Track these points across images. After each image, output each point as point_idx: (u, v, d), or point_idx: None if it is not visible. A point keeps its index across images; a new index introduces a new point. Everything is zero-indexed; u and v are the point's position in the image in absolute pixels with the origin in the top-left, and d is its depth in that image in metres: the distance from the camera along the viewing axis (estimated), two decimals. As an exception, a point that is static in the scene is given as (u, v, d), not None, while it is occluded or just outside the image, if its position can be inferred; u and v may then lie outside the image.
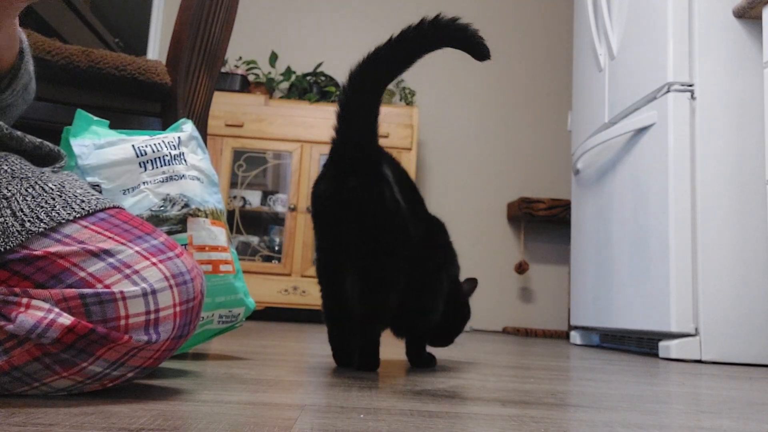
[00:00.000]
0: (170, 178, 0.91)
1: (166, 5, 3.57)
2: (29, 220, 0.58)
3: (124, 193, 0.87)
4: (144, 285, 0.57)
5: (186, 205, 0.91)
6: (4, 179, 0.61)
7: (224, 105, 3.19)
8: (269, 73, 3.53)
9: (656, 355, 1.89)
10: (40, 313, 0.53)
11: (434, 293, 1.03)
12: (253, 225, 3.33)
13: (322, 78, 3.45)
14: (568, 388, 0.91)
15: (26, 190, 0.60)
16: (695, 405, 0.80)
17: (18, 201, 0.59)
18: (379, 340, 0.95)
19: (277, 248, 3.22)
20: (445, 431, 0.52)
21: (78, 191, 0.63)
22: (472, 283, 1.20)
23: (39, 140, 0.70)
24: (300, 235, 3.12)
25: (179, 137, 0.97)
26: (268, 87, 3.45)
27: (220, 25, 1.56)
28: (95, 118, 0.91)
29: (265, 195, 3.32)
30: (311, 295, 3.05)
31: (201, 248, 0.92)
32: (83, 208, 0.61)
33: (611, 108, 2.28)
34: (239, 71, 3.38)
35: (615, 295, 2.13)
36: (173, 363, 0.91)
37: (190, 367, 0.87)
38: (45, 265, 0.56)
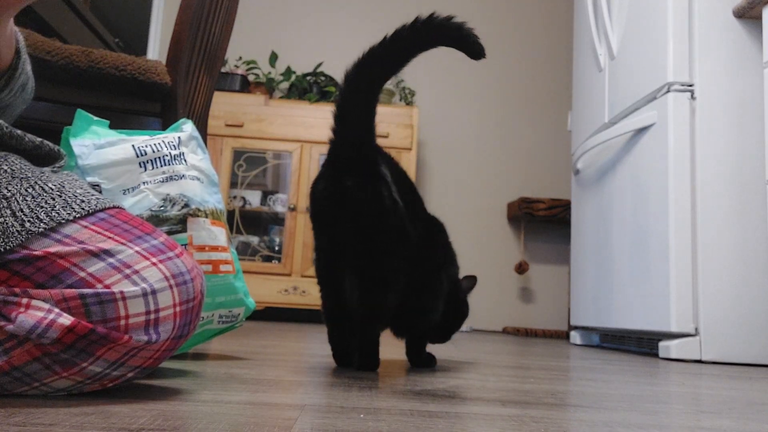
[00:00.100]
0: (170, 178, 0.91)
1: (166, 5, 3.57)
2: (29, 220, 0.58)
3: (124, 193, 0.87)
4: (144, 285, 0.57)
5: (186, 205, 0.91)
6: (4, 179, 0.61)
7: (224, 105, 3.19)
8: (269, 73, 3.53)
9: (656, 355, 1.89)
10: (40, 313, 0.53)
11: (434, 293, 1.03)
12: (253, 225, 3.34)
13: (322, 78, 3.45)
14: (568, 388, 0.91)
15: (26, 190, 0.60)
16: (695, 405, 0.80)
17: (18, 201, 0.59)
18: (379, 340, 0.95)
19: (277, 248, 3.23)
20: (445, 431, 0.52)
21: (78, 191, 0.63)
22: (472, 280, 1.20)
23: (39, 139, 0.70)
24: (300, 235, 3.12)
25: (179, 137, 0.97)
26: (268, 87, 3.45)
27: (220, 25, 1.56)
28: (95, 118, 0.91)
29: (265, 195, 3.32)
30: (311, 295, 3.05)
31: (201, 248, 0.92)
32: (83, 208, 0.61)
33: (611, 108, 2.28)
34: (239, 71, 3.38)
35: (615, 295, 2.13)
36: (173, 363, 0.91)
37: (190, 367, 0.87)
38: (45, 265, 0.56)
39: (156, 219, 0.88)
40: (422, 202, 1.06)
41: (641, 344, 2.10)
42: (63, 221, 0.59)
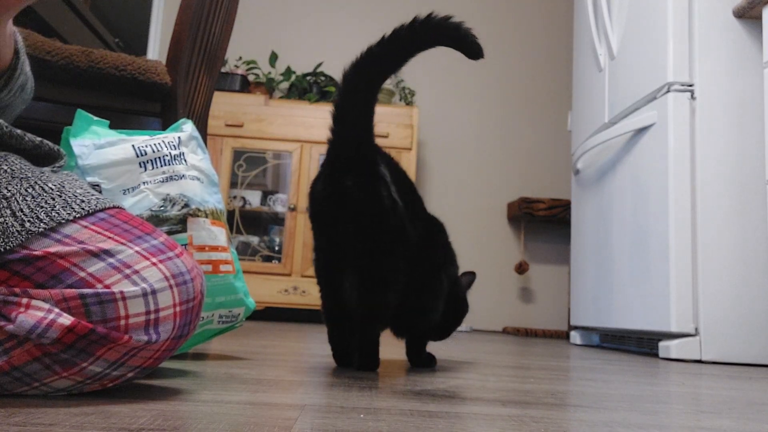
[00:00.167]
0: (170, 178, 0.91)
1: (166, 5, 3.57)
2: (29, 220, 0.58)
3: (124, 193, 0.87)
4: (144, 285, 0.57)
5: (186, 205, 0.91)
6: (3, 179, 0.61)
7: (224, 105, 3.19)
8: (269, 73, 3.53)
9: (656, 355, 1.89)
10: (40, 313, 0.53)
11: (434, 293, 1.03)
12: (253, 225, 3.34)
13: (322, 78, 3.45)
14: (568, 388, 0.91)
15: (26, 190, 0.60)
16: (695, 405, 0.80)
17: (18, 201, 0.59)
18: (379, 340, 0.95)
19: (277, 248, 3.23)
20: (445, 431, 0.52)
21: (78, 191, 0.63)
22: (471, 276, 1.20)
23: (39, 139, 0.70)
24: (300, 235, 3.12)
25: (179, 137, 0.97)
26: (268, 87, 3.45)
27: (220, 25, 1.56)
28: (95, 118, 0.91)
29: (265, 195, 3.32)
30: (311, 295, 3.05)
31: (201, 248, 0.92)
32: (83, 208, 0.61)
33: (611, 108, 2.28)
34: (239, 71, 3.38)
35: (615, 295, 2.13)
36: (173, 363, 0.91)
37: (190, 367, 0.87)
38: (45, 265, 0.56)
39: (156, 219, 0.88)
40: (422, 201, 1.06)
41: (641, 344, 2.10)
42: (63, 221, 0.59)
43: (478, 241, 3.64)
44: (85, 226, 0.60)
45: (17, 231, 0.57)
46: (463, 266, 1.18)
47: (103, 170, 0.87)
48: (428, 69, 3.74)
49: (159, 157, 0.92)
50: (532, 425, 0.57)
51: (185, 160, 0.95)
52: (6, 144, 0.67)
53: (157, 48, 3.47)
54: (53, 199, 0.60)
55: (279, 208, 3.25)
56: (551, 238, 3.67)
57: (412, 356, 1.09)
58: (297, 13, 3.79)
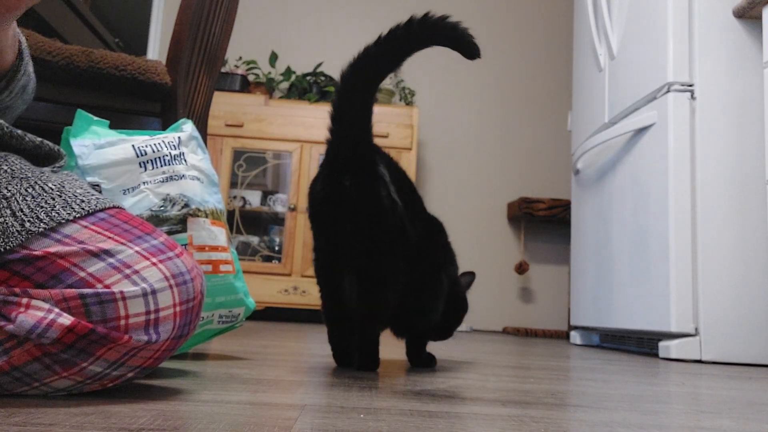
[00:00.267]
0: (170, 178, 0.91)
1: (166, 5, 3.57)
2: (29, 220, 0.58)
3: (124, 193, 0.87)
4: (144, 285, 0.57)
5: (186, 205, 0.91)
6: (3, 179, 0.61)
7: (224, 105, 3.19)
8: (269, 73, 3.53)
9: (656, 355, 1.89)
10: (40, 313, 0.53)
11: (434, 293, 1.03)
12: (253, 225, 3.34)
13: (322, 78, 3.45)
14: (568, 388, 0.91)
15: (26, 190, 0.60)
16: (695, 405, 0.80)
17: (18, 201, 0.59)
18: (379, 340, 0.95)
19: (277, 248, 3.23)
20: (445, 431, 0.52)
21: (78, 191, 0.63)
22: (470, 276, 1.20)
23: (39, 139, 0.70)
24: (300, 235, 3.12)
25: (179, 137, 0.97)
26: (268, 87, 3.45)
27: (220, 25, 1.56)
28: (95, 118, 0.91)
29: (265, 195, 3.32)
30: (311, 295, 3.05)
31: (201, 248, 0.92)
32: (83, 208, 0.61)
33: (611, 108, 2.28)
34: (239, 71, 3.38)
35: (615, 295, 2.13)
36: (173, 363, 0.91)
37: (190, 367, 0.87)
38: (45, 265, 0.56)
39: (156, 219, 0.88)
40: (422, 201, 1.06)
41: (641, 344, 2.10)
42: (63, 221, 0.59)
43: (478, 241, 3.64)
44: (85, 226, 0.60)
45: (17, 231, 0.57)
46: (463, 266, 1.18)
47: (103, 170, 0.87)
48: (428, 69, 3.74)
49: (159, 157, 0.92)
50: (532, 425, 0.57)
51: (185, 160, 0.95)
52: (6, 144, 0.67)
53: (157, 48, 3.48)
54: (53, 199, 0.60)
55: (279, 208, 3.25)
56: (551, 238, 3.67)
57: (412, 356, 1.09)
58: (297, 13, 3.79)
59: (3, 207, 0.58)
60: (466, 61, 0.95)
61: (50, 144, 0.71)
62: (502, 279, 3.63)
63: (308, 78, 3.46)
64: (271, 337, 1.71)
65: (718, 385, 1.11)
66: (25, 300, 0.54)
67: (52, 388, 0.56)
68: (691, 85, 1.88)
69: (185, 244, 0.90)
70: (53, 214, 0.59)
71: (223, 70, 3.33)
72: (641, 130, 2.03)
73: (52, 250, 0.57)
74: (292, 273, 3.09)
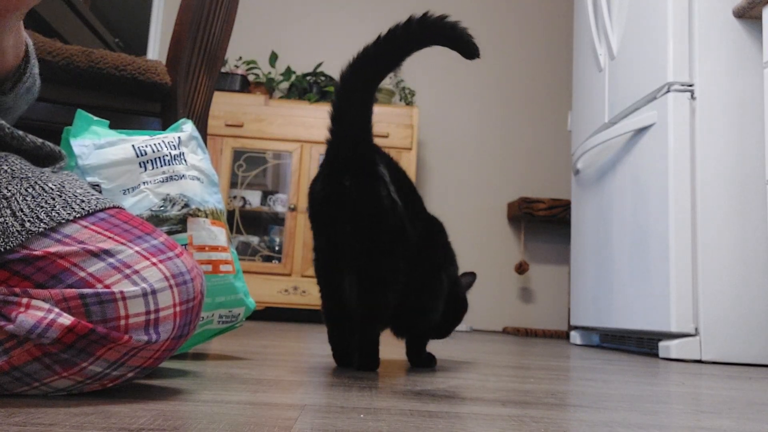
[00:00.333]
0: (170, 178, 0.91)
1: (166, 5, 3.57)
2: (29, 220, 0.58)
3: (124, 193, 0.87)
4: (144, 285, 0.57)
5: (186, 205, 0.91)
6: (4, 179, 0.61)
7: (224, 105, 3.19)
8: (269, 73, 3.53)
9: (656, 355, 1.89)
10: (40, 313, 0.53)
11: (434, 293, 1.03)
12: (253, 225, 3.34)
13: (322, 78, 3.45)
14: (568, 388, 0.91)
15: (26, 190, 0.60)
16: (695, 405, 0.80)
17: (18, 201, 0.59)
18: (379, 340, 0.95)
19: (277, 248, 3.23)
20: (445, 431, 0.52)
21: (78, 191, 0.63)
22: (471, 277, 1.20)
23: (40, 140, 0.70)
24: (300, 235, 3.12)
25: (179, 137, 0.97)
26: (268, 87, 3.45)
27: (220, 25, 1.56)
28: (95, 118, 0.91)
29: (265, 195, 3.32)
30: (311, 295, 3.05)
31: (201, 248, 0.92)
32: (83, 208, 0.61)
33: (611, 108, 2.28)
34: (239, 71, 3.38)
35: (615, 295, 2.13)
36: (173, 363, 0.91)
37: (190, 367, 0.87)
38: (45, 265, 0.56)
39: (156, 219, 0.88)
40: (422, 201, 1.06)
41: (641, 344, 2.10)
42: (63, 221, 0.59)
43: (478, 241, 3.64)
44: (85, 226, 0.60)
45: (17, 231, 0.57)
46: (463, 266, 1.18)
47: (103, 170, 0.87)
48: (428, 69, 3.74)
49: (159, 157, 0.92)
50: (532, 425, 0.57)
51: (185, 160, 0.95)
52: (7, 145, 0.67)
53: (157, 48, 3.47)
54: (53, 199, 0.60)
55: (279, 208, 3.25)
56: (551, 238, 3.67)
57: (412, 356, 1.09)
58: (297, 13, 3.79)
59: (3, 207, 0.58)
60: (466, 60, 0.95)
61: (51, 145, 0.71)
62: (502, 279, 3.63)
63: (308, 78, 3.46)
64: (271, 337, 1.71)
65: (718, 385, 1.11)
66: (25, 300, 0.54)
67: (52, 388, 0.56)
68: (691, 85, 1.88)
69: (185, 244, 0.90)
70: (53, 214, 0.59)
71: (223, 70, 3.33)
72: (641, 130, 2.03)
73: (52, 250, 0.57)
74: (292, 273, 3.09)
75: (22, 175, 0.62)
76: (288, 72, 3.48)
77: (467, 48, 0.93)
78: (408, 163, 3.22)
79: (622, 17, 2.24)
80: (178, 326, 0.60)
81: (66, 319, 0.53)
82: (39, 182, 0.62)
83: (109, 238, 0.60)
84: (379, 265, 0.91)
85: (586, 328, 2.47)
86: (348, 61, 0.92)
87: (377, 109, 0.95)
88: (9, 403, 0.53)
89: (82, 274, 0.56)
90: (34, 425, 0.45)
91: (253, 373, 0.86)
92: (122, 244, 0.59)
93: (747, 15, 1.85)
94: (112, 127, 0.93)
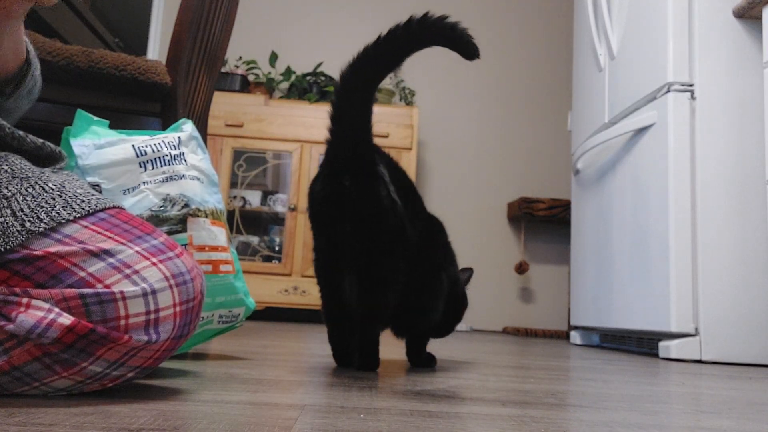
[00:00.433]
0: (170, 178, 0.91)
1: (166, 5, 3.57)
2: (29, 220, 0.58)
3: (124, 193, 0.87)
4: (144, 285, 0.57)
5: (186, 205, 0.91)
6: (4, 179, 0.61)
7: (224, 105, 3.19)
8: (269, 73, 3.53)
9: (656, 355, 1.89)
10: (40, 312, 0.54)
11: (434, 293, 1.03)
12: (253, 225, 3.34)
13: (322, 78, 3.45)
14: (568, 388, 0.91)
15: (26, 190, 0.60)
16: (695, 405, 0.80)
17: (18, 201, 0.59)
18: (379, 340, 0.95)
19: (277, 248, 3.23)
20: (445, 431, 0.52)
21: (78, 191, 0.63)
22: (468, 272, 1.20)
23: (41, 141, 0.70)
24: (300, 235, 3.12)
25: (179, 137, 0.97)
26: (268, 87, 3.45)
27: (220, 25, 1.56)
28: (95, 118, 0.91)
29: (265, 195, 3.32)
30: (311, 295, 3.05)
31: (201, 248, 0.92)
32: (83, 208, 0.61)
33: (611, 108, 2.28)
34: (239, 71, 3.38)
35: (615, 295, 2.13)
36: (173, 363, 0.91)
37: (190, 367, 0.87)
38: (45, 265, 0.56)
39: (156, 219, 0.88)
40: (422, 201, 1.06)
41: (641, 344, 2.10)
42: (63, 221, 0.59)
43: (478, 241, 3.64)
44: (86, 226, 0.60)
45: (17, 231, 0.57)
46: (464, 266, 1.18)
47: (103, 170, 0.87)
48: (428, 69, 3.74)
49: (159, 157, 0.92)
50: (532, 425, 0.57)
51: (185, 160, 0.95)
52: (8, 145, 0.67)
53: (157, 48, 3.47)
54: (53, 199, 0.60)
55: (279, 208, 3.25)
56: (551, 238, 3.67)
57: (412, 356, 1.09)
58: (297, 13, 3.79)
59: (3, 207, 0.58)
60: (466, 61, 0.95)
61: (51, 145, 0.71)
62: (502, 279, 3.63)
63: (308, 78, 3.46)
64: (271, 337, 1.71)
65: (718, 385, 1.11)
66: (25, 300, 0.54)
67: (52, 388, 0.56)
68: (691, 85, 1.88)
69: (185, 244, 0.90)
70: (53, 214, 0.59)
71: (223, 70, 3.33)
72: (641, 130, 2.03)
73: (52, 249, 0.57)
74: (292, 273, 3.09)
75: (22, 175, 0.62)
76: (288, 72, 3.48)
77: (467, 48, 0.93)
78: (408, 163, 3.22)
79: (622, 17, 2.24)
80: (178, 326, 0.60)
81: (66, 319, 0.53)
82: (39, 182, 0.62)
83: (109, 238, 0.60)
84: (379, 265, 0.91)
85: (586, 328, 2.47)
86: (348, 61, 0.92)
87: (377, 109, 0.95)
88: (9, 403, 0.53)
89: (82, 274, 0.56)
90: (34, 425, 0.45)
91: (253, 373, 0.86)
92: (122, 244, 0.59)
93: (747, 15, 1.85)
94: (112, 127, 0.93)
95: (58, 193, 0.61)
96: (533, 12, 3.90)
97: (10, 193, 0.59)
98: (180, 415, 0.51)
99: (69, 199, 0.61)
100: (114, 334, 0.55)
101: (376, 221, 0.90)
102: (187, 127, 1.01)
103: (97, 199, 0.64)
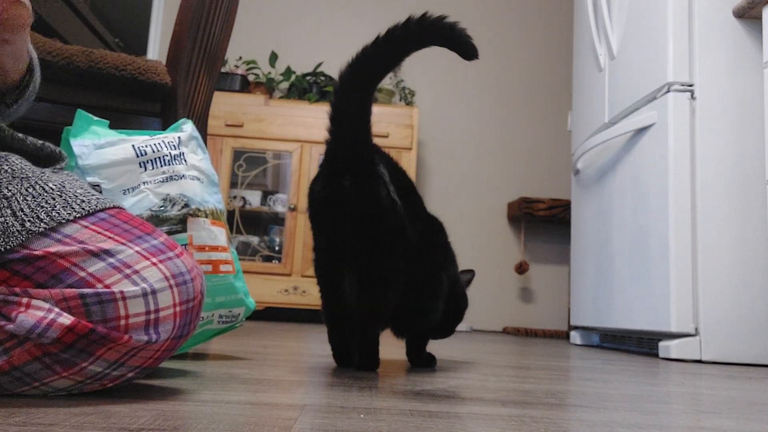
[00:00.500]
0: (170, 178, 0.91)
1: (166, 5, 3.57)
2: (29, 220, 0.58)
3: (124, 193, 0.87)
4: (144, 285, 0.57)
5: (186, 205, 0.91)
6: (4, 179, 0.61)
7: (224, 105, 3.19)
8: (269, 73, 3.53)
9: (656, 355, 1.89)
10: (40, 312, 0.54)
11: (434, 293, 1.03)
12: (253, 225, 3.34)
13: (322, 78, 3.45)
14: (568, 388, 0.91)
15: (26, 190, 0.60)
16: (695, 405, 0.80)
17: (18, 201, 0.59)
18: (379, 340, 0.95)
19: (277, 248, 3.23)
20: (445, 431, 0.52)
21: (78, 191, 0.63)
22: (470, 274, 1.20)
23: (41, 142, 0.70)
24: (300, 235, 3.12)
25: (179, 137, 0.97)
26: (268, 87, 3.45)
27: (220, 25, 1.56)
28: (95, 118, 0.91)
29: (265, 195, 3.32)
30: (311, 295, 3.05)
31: (201, 248, 0.92)
32: (83, 208, 0.61)
33: (611, 108, 2.28)
34: (239, 71, 3.38)
35: (615, 295, 2.13)
36: (173, 363, 0.91)
37: (190, 367, 0.87)
38: (45, 265, 0.56)
39: (156, 219, 0.88)
40: (422, 201, 1.06)
41: (641, 344, 2.10)
42: (63, 221, 0.59)
43: (478, 241, 3.64)
44: (86, 226, 0.60)
45: (18, 231, 0.57)
46: (463, 266, 1.18)
47: (103, 170, 0.87)
48: (428, 69, 3.74)
49: (159, 157, 0.92)
50: (532, 425, 0.57)
51: (185, 160, 0.95)
52: (8, 147, 0.67)
53: (157, 48, 3.47)
54: (53, 199, 0.60)
55: (279, 208, 3.25)
56: (551, 238, 3.67)
57: (412, 356, 1.09)
58: (297, 13, 3.79)
59: (3, 207, 0.58)
60: (465, 61, 0.95)
61: (51, 146, 0.71)
62: (502, 279, 3.63)
63: (308, 78, 3.46)
64: (271, 337, 1.71)
65: (718, 385, 1.11)
66: (25, 300, 0.54)
67: (52, 388, 0.56)
68: (691, 85, 1.88)
69: (185, 244, 0.90)
70: (53, 214, 0.59)
71: (223, 70, 3.33)
72: (641, 130, 2.03)
73: (52, 249, 0.57)
74: (292, 273, 3.09)
75: (22, 175, 0.62)
76: (288, 72, 3.48)
77: (465, 49, 0.93)
78: (408, 163, 3.22)
79: (622, 17, 2.24)
80: (178, 326, 0.60)
81: (66, 319, 0.53)
82: (39, 182, 0.62)
83: (110, 238, 0.60)
84: (379, 265, 0.91)
85: (586, 328, 2.47)
86: (347, 62, 0.92)
87: (377, 109, 0.95)
88: (9, 403, 0.53)
89: (82, 273, 0.56)
90: (34, 425, 0.45)
91: (253, 373, 0.86)
92: (122, 244, 0.59)
93: (747, 15, 1.85)
94: (112, 127, 0.93)
95: (58, 193, 0.61)
96: (533, 12, 3.90)
97: (10, 193, 0.59)
98: (180, 415, 0.51)
99: (69, 199, 0.61)
100: (114, 334, 0.55)
101: (375, 221, 0.90)
102: (187, 127, 1.01)
103: (97, 199, 0.64)
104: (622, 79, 2.20)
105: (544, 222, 3.61)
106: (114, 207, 0.64)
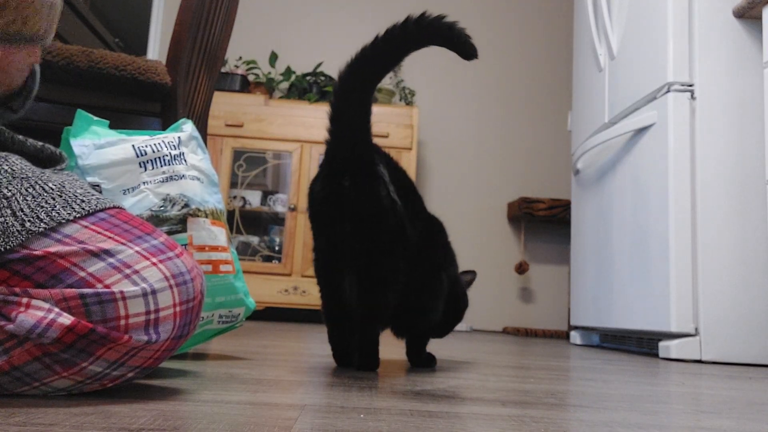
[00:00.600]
0: (170, 178, 0.91)
1: (166, 5, 3.57)
2: (29, 220, 0.58)
3: (124, 193, 0.87)
4: (144, 285, 0.57)
5: (186, 205, 0.91)
6: (4, 179, 0.61)
7: (224, 105, 3.19)
8: (269, 73, 3.53)
9: (656, 355, 1.89)
10: (40, 312, 0.54)
11: (434, 293, 1.03)
12: (253, 225, 3.34)
13: (322, 78, 3.45)
14: (568, 388, 0.91)
15: (26, 190, 0.60)
16: (695, 405, 0.80)
17: (18, 201, 0.59)
18: (379, 340, 0.95)
19: (277, 248, 3.23)
20: (445, 431, 0.52)
21: (78, 191, 0.63)
22: (471, 275, 1.20)
23: (41, 144, 0.70)
24: (300, 235, 3.12)
25: (179, 137, 0.97)
26: (268, 87, 3.45)
27: (220, 25, 1.56)
28: (95, 118, 0.91)
29: (265, 195, 3.32)
30: (311, 295, 3.05)
31: (201, 248, 0.92)
32: (83, 208, 0.61)
33: (611, 108, 2.28)
34: (239, 71, 3.38)
35: (615, 295, 2.13)
36: (173, 363, 0.91)
37: (190, 367, 0.87)
38: (45, 265, 0.56)
39: (156, 219, 0.88)
40: (422, 201, 1.06)
41: (641, 344, 2.10)
42: (63, 221, 0.59)
43: (478, 241, 3.64)
44: (86, 226, 0.60)
45: (17, 231, 0.57)
46: (463, 266, 1.18)
47: (103, 170, 0.87)
48: (428, 69, 3.74)
49: (159, 157, 0.92)
50: (532, 425, 0.57)
51: (185, 160, 0.95)
52: (8, 149, 0.67)
53: (157, 48, 3.47)
54: (53, 199, 0.60)
55: (279, 208, 3.25)
56: (551, 238, 3.67)
57: (412, 356, 1.09)
58: (297, 13, 3.79)
59: (3, 207, 0.58)
60: (465, 60, 0.95)
61: (52, 147, 0.71)
62: (502, 279, 3.63)
63: (308, 78, 3.46)
64: (271, 337, 1.71)
65: (718, 385, 1.11)
66: (25, 300, 0.54)
67: (52, 388, 0.56)
68: (691, 85, 1.88)
69: (185, 244, 0.90)
70: (53, 214, 0.59)
71: (223, 70, 3.33)
72: (641, 130, 2.03)
73: (52, 249, 0.57)
74: (292, 273, 3.09)
75: (22, 175, 0.62)
76: (288, 72, 3.48)
77: (465, 48, 0.93)
78: (408, 163, 3.22)
79: (622, 17, 2.24)
80: (178, 326, 0.60)
81: (66, 319, 0.53)
82: (39, 182, 0.62)
83: (109, 238, 0.60)
84: (379, 265, 0.91)
85: (586, 328, 2.47)
86: (346, 62, 0.92)
87: (377, 109, 0.95)
88: (9, 403, 0.53)
89: (82, 273, 0.56)
90: (34, 425, 0.45)
91: (253, 373, 0.86)
92: (122, 244, 0.59)
93: (747, 15, 1.85)
94: (112, 127, 0.93)
95: (58, 193, 0.61)
96: (533, 12, 3.90)
97: (10, 193, 0.59)
98: (180, 415, 0.51)
99: (69, 199, 0.61)
100: (114, 334, 0.55)
101: (375, 221, 0.90)
102: (187, 127, 1.01)
103: (97, 199, 0.64)
104: (622, 79, 2.20)
105: (544, 222, 3.61)
106: (114, 207, 0.64)
